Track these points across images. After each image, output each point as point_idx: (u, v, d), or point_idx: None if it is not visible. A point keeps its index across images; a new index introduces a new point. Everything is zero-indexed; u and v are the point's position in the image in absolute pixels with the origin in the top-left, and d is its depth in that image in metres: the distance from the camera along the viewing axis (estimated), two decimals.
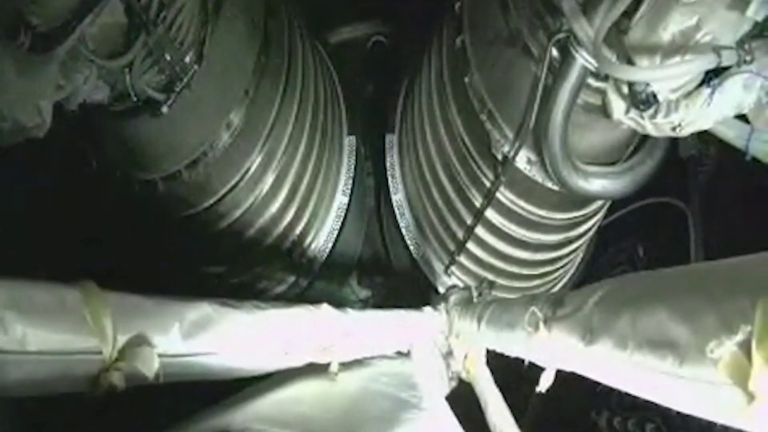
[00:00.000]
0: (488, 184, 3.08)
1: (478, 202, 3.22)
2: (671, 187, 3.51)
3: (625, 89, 2.20)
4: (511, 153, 2.79)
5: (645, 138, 2.74)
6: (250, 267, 3.61)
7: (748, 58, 1.91)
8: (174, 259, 3.69)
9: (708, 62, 1.90)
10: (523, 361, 2.08)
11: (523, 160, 2.81)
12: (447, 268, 3.77)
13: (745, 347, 0.99)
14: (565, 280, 4.04)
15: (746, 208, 3.22)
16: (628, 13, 1.94)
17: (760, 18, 1.78)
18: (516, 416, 2.41)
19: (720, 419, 1.14)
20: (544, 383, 1.92)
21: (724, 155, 3.28)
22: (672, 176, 2.88)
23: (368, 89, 4.68)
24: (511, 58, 2.56)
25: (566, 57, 2.22)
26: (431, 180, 3.49)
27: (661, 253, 3.81)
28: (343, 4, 4.20)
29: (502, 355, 2.46)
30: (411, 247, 3.88)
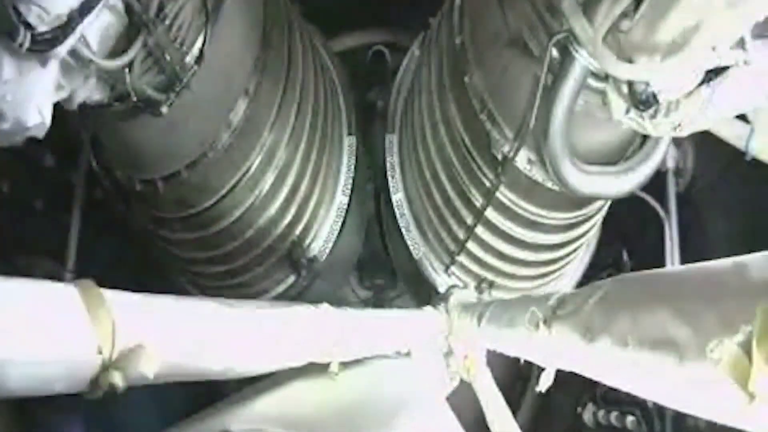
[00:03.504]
0: (488, 184, 3.08)
1: (478, 202, 3.22)
2: (652, 195, 3.73)
3: (625, 89, 2.20)
4: (511, 153, 2.79)
5: (645, 138, 2.74)
6: (250, 267, 3.61)
7: (748, 58, 1.91)
8: (174, 259, 3.69)
9: (708, 62, 1.90)
10: (519, 359, 2.09)
11: (523, 160, 2.81)
12: (447, 268, 3.77)
13: (746, 347, 0.99)
14: (565, 280, 4.04)
15: (723, 218, 3.45)
16: (628, 13, 1.94)
17: (760, 18, 1.78)
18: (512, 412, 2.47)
19: (720, 419, 1.14)
20: (545, 383, 1.92)
21: (699, 167, 3.56)
22: (652, 185, 3.05)
23: (369, 97, 4.69)
24: (511, 57, 2.56)
25: (566, 57, 2.22)
26: (431, 180, 3.49)
27: (644, 258, 3.92)
28: (344, 13, 4.19)
29: (500, 354, 2.48)
30: (411, 247, 3.87)
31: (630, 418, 3.36)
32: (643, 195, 3.68)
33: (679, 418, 3.17)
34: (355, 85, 4.07)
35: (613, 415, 3.50)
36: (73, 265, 3.70)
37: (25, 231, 3.58)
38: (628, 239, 4.06)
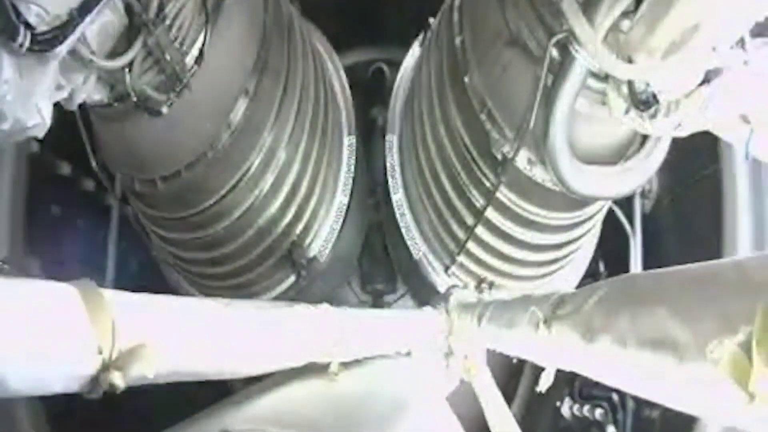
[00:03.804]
0: (488, 184, 3.08)
1: (478, 202, 3.22)
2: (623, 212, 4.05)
3: (625, 89, 2.20)
4: (511, 153, 2.79)
5: (645, 138, 2.74)
6: (250, 267, 3.61)
7: (748, 58, 1.91)
8: (174, 259, 3.69)
9: (708, 62, 1.90)
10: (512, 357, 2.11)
11: (523, 160, 2.81)
12: (447, 268, 3.77)
13: (746, 347, 0.99)
14: (569, 278, 4.04)
15: (678, 238, 3.93)
16: (628, 14, 1.94)
17: (760, 18, 1.78)
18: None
19: (720, 419, 1.14)
20: (544, 383, 1.92)
21: (662, 190, 3.99)
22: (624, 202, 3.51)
23: (371, 114, 4.66)
24: (511, 57, 2.56)
25: (566, 57, 2.22)
26: (431, 180, 3.49)
27: (617, 272, 4.09)
28: (344, 30, 4.17)
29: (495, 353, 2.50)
30: (411, 248, 3.87)
31: (599, 410, 3.84)
32: (616, 209, 3.91)
33: (638, 409, 3.66)
34: (355, 102, 4.05)
35: (586, 408, 3.98)
36: (112, 277, 4.06)
37: (70, 247, 3.94)
38: (604, 251, 4.28)
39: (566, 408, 4.15)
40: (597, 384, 1.66)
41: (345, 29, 4.10)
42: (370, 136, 4.66)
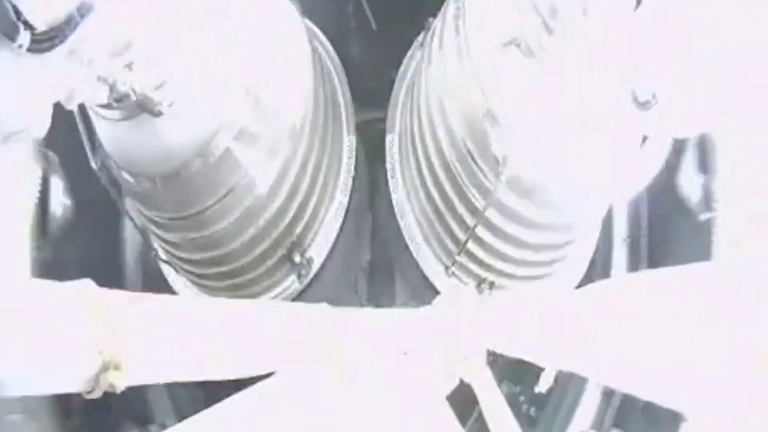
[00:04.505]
0: (488, 185, 3.08)
1: (478, 202, 3.22)
2: None
3: (626, 89, 2.20)
4: (511, 153, 2.79)
5: (646, 139, 2.74)
6: (250, 267, 3.61)
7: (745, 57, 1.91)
8: (174, 259, 3.69)
9: (709, 62, 1.90)
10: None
11: None
12: (447, 268, 3.77)
13: None
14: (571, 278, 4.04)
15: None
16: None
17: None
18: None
19: None
20: (544, 384, 1.93)
21: None
22: None
23: (375, 172, 4.60)
24: (510, 57, 2.56)
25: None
26: (431, 180, 3.49)
27: None
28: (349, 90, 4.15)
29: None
30: (411, 248, 3.88)
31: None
32: None
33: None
34: (359, 161, 4.03)
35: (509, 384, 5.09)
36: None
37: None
38: None
39: (503, 387, 4.96)
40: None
41: (350, 89, 4.09)
42: (374, 194, 4.62)
